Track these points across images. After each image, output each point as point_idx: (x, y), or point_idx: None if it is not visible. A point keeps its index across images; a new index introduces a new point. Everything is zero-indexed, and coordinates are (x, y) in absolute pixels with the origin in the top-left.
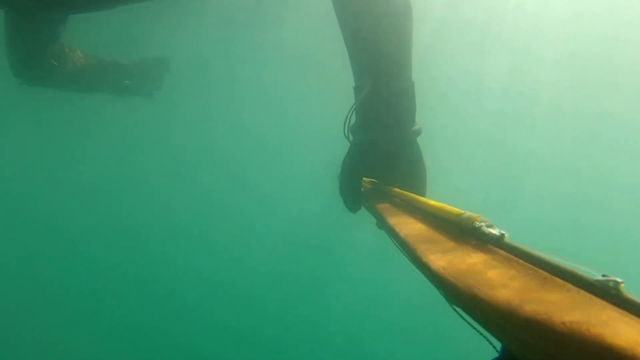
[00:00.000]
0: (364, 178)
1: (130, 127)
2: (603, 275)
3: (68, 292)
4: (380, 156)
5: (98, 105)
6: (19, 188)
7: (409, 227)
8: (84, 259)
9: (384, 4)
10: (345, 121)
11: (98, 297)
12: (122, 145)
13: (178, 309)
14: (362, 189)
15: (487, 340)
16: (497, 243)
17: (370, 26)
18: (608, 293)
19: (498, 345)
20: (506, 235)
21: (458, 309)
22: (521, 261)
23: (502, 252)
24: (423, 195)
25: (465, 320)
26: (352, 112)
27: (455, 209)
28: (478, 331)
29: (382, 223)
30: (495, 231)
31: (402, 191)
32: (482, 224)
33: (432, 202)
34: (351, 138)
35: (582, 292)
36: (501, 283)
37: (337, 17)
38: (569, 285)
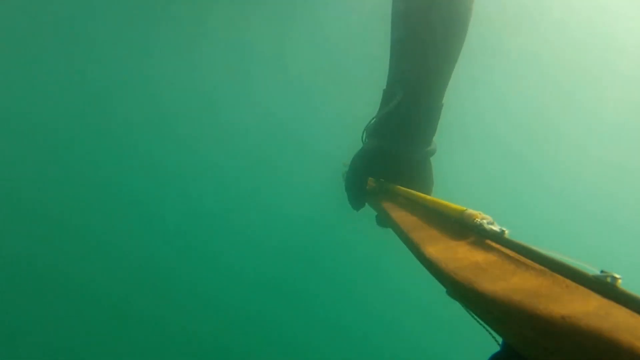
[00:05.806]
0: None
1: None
2: (602, 271)
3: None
4: (390, 165)
5: None
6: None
7: (413, 224)
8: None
9: (442, 21)
10: (367, 125)
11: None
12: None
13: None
14: (367, 188)
15: (489, 333)
16: (497, 239)
17: (422, 38)
18: (606, 288)
19: (499, 339)
20: (506, 231)
21: (460, 304)
22: (521, 257)
23: (503, 248)
24: None
25: (471, 314)
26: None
27: (457, 206)
28: (481, 324)
29: (386, 220)
30: (496, 228)
31: (406, 189)
32: (484, 220)
33: (435, 200)
34: (365, 138)
35: (581, 287)
36: (501, 278)
37: (392, 17)
38: (568, 281)
